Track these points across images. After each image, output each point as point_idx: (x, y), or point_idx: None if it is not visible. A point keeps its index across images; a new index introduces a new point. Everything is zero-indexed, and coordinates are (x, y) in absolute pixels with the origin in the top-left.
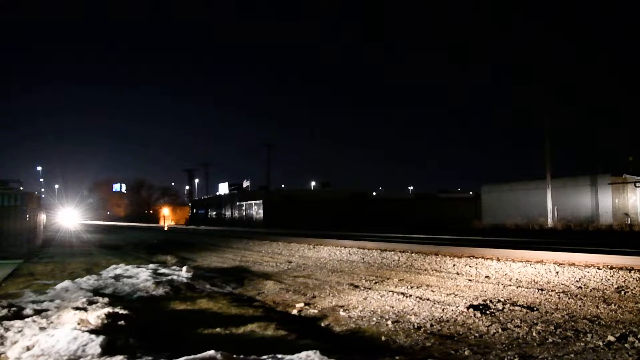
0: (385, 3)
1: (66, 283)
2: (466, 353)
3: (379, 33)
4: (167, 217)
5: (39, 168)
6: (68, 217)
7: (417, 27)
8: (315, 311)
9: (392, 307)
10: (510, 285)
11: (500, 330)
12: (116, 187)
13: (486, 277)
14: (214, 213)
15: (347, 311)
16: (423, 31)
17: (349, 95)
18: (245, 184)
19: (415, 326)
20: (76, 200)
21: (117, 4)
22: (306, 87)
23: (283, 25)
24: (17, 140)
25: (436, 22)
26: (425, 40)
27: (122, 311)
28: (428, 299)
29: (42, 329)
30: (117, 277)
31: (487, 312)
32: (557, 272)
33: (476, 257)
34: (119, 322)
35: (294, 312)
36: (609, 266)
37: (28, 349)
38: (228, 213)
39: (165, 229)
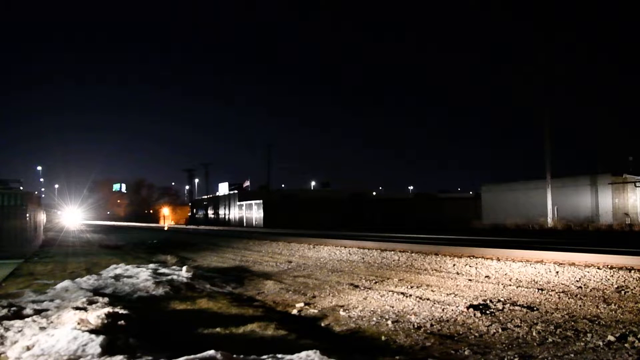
0: (382, 2)
1: (66, 283)
2: (466, 353)
3: (379, 33)
4: (167, 217)
5: (39, 168)
6: (69, 216)
7: (417, 27)
8: (315, 311)
9: (392, 307)
10: (510, 285)
11: (500, 330)
12: (116, 186)
13: (486, 276)
14: (214, 213)
15: (347, 311)
16: (423, 31)
17: (349, 95)
18: (245, 184)
19: (415, 326)
20: (77, 200)
21: (115, 3)
22: (306, 87)
23: (283, 25)
24: (17, 140)
25: (435, 21)
26: (426, 40)
27: (122, 311)
28: (428, 299)
29: (42, 328)
30: (117, 277)
31: (487, 312)
32: (557, 272)
33: (476, 257)
34: (119, 322)
35: (294, 312)
36: (609, 266)
37: (28, 348)
38: (228, 213)
39: (165, 228)
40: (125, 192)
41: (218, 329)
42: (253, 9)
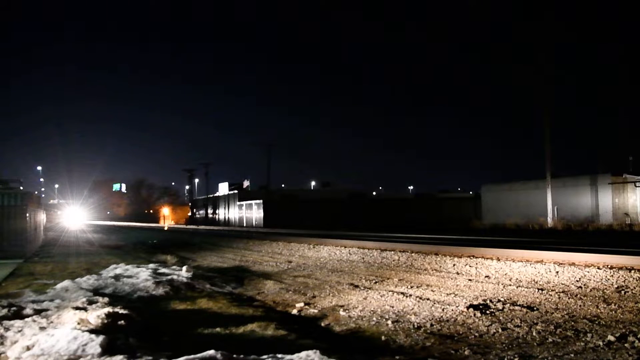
0: (382, 3)
1: (66, 283)
2: (466, 353)
3: (379, 32)
4: (167, 216)
5: (39, 168)
6: (70, 216)
7: (417, 27)
8: (315, 311)
9: (392, 307)
10: (510, 285)
11: (500, 330)
12: (116, 186)
13: (486, 276)
14: (214, 213)
15: (347, 311)
16: (423, 31)
17: (349, 95)
18: (245, 183)
19: (415, 326)
20: (78, 200)
21: (118, 4)
22: (306, 86)
23: (283, 25)
24: (17, 139)
25: (435, 21)
26: (426, 40)
27: (122, 311)
28: (428, 299)
29: (42, 328)
30: (117, 277)
31: (487, 311)
32: (557, 272)
33: (476, 257)
34: (119, 322)
35: (294, 311)
36: (609, 266)
37: (28, 348)
38: (228, 213)
39: (165, 228)
40: (125, 192)
41: (218, 329)
42: (254, 8)
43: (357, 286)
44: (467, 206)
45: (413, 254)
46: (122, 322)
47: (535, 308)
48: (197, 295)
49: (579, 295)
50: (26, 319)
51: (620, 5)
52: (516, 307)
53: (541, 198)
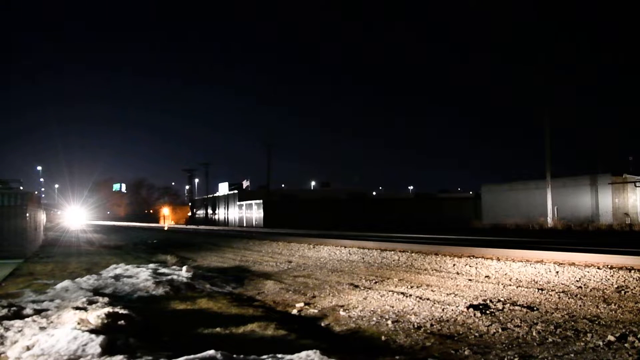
0: (382, 3)
1: (66, 283)
2: (466, 353)
3: (379, 33)
4: (167, 216)
5: (39, 168)
6: (70, 216)
7: (417, 27)
8: (315, 311)
9: (392, 307)
10: (510, 285)
11: (500, 330)
12: (116, 186)
13: (486, 276)
14: (214, 213)
15: (347, 311)
16: (423, 31)
17: (349, 95)
18: (245, 184)
19: (415, 326)
20: (78, 200)
21: (118, 4)
22: (306, 86)
23: (282, 25)
24: (18, 139)
25: (436, 21)
26: (426, 40)
27: (122, 311)
28: (428, 299)
29: (42, 328)
30: (117, 277)
31: (487, 311)
32: (557, 272)
33: (476, 257)
34: (119, 322)
35: (294, 311)
36: (609, 266)
37: (28, 348)
38: (228, 213)
39: (166, 228)
40: (125, 192)
41: (218, 329)
42: (254, 8)
43: (357, 286)
44: (467, 206)
45: (413, 254)
46: (122, 322)
47: (535, 308)
48: (197, 295)
49: (579, 295)
50: (26, 319)
51: (620, 5)
52: (516, 307)
53: (541, 198)
